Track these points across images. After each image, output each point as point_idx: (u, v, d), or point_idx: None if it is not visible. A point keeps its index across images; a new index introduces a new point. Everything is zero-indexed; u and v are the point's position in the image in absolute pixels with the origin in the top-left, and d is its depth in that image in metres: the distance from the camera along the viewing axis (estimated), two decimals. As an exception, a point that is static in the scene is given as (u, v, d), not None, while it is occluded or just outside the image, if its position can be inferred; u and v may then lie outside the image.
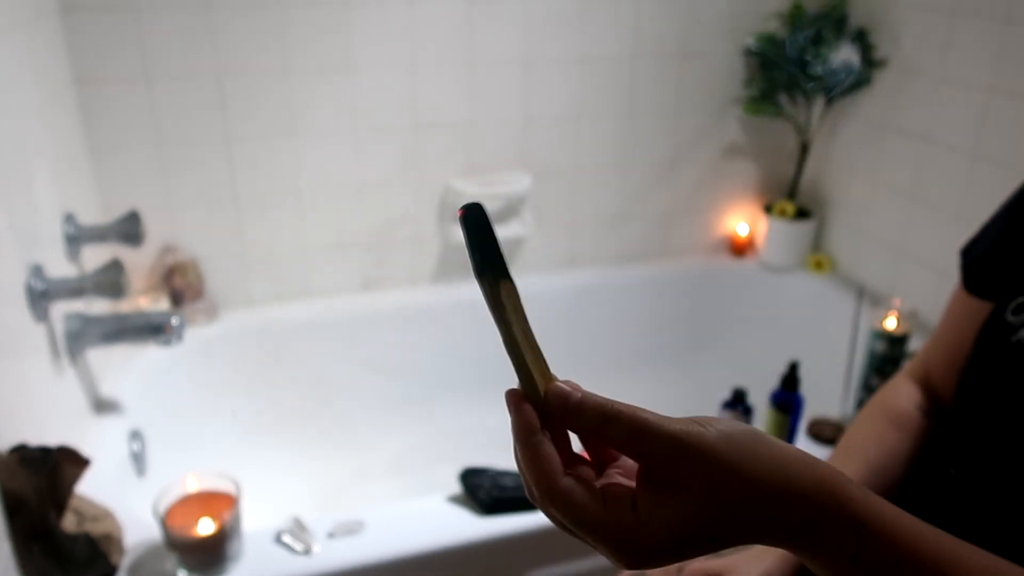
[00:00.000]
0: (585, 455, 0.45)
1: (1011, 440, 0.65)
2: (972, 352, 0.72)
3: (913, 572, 0.40)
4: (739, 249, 2.16)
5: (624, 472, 0.43)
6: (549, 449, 0.41)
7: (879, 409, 0.82)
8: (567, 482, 0.40)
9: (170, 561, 1.07)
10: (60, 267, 1.31)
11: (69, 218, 1.37)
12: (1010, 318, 0.68)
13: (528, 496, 0.43)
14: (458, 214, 0.42)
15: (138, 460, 1.40)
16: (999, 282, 0.72)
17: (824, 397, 1.56)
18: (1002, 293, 0.70)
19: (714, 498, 0.38)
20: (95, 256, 1.46)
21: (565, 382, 0.42)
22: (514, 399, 0.42)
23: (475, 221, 0.42)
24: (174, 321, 1.33)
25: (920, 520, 0.41)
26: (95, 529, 1.03)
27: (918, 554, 0.40)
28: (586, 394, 0.41)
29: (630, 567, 0.40)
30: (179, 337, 1.34)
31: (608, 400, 0.41)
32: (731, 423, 0.41)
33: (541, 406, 0.42)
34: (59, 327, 1.27)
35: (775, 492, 0.39)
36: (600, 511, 0.39)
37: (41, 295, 1.17)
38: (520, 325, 0.43)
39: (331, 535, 1.14)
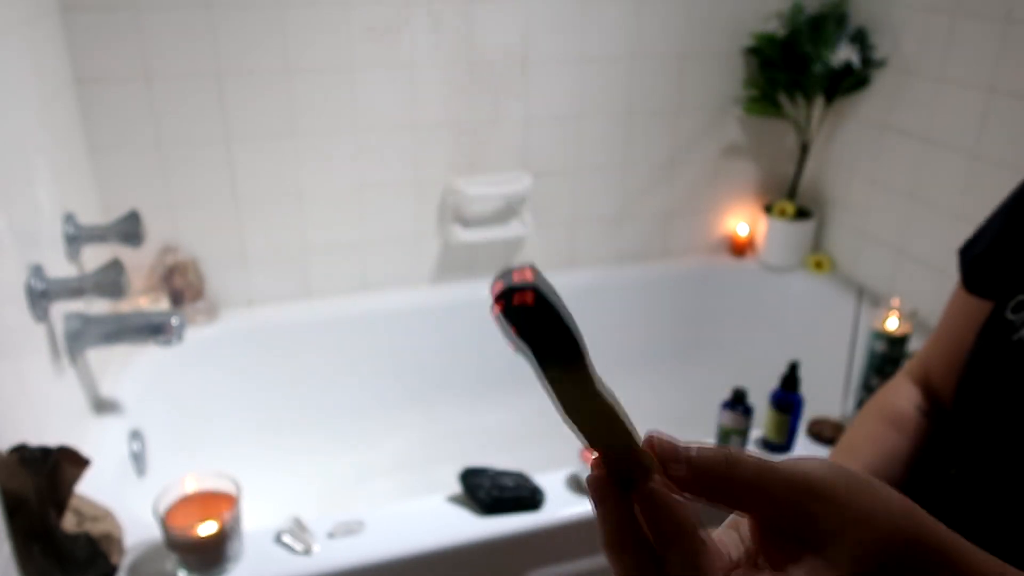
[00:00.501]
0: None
1: (1011, 440, 0.65)
2: (972, 351, 0.71)
3: None
4: (739, 249, 2.16)
5: (715, 550, 0.38)
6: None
7: (878, 410, 0.82)
8: None
9: (170, 561, 1.07)
10: (60, 267, 1.31)
11: (69, 218, 1.37)
12: (1010, 316, 0.67)
13: None
14: (497, 314, 0.30)
15: (138, 460, 1.40)
16: (999, 280, 0.72)
17: (824, 397, 1.56)
18: (1002, 291, 0.70)
19: (851, 546, 0.34)
20: (95, 256, 1.46)
21: (656, 436, 0.36)
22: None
23: (529, 318, 0.30)
24: (174, 321, 1.33)
25: (979, 548, 0.40)
26: (95, 529, 1.03)
27: None
28: (694, 448, 0.35)
29: None
30: (179, 337, 1.34)
31: (716, 447, 0.35)
32: (820, 459, 0.37)
33: (637, 468, 0.34)
34: (59, 327, 1.27)
35: (880, 523, 0.35)
36: None
37: (41, 295, 1.17)
38: (607, 399, 0.34)
39: (331, 535, 1.14)
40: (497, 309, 0.30)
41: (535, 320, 0.30)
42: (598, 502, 0.35)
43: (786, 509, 0.34)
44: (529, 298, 0.29)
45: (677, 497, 0.34)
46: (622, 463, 0.34)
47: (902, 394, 0.82)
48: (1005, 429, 0.66)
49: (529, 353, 0.31)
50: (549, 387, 0.32)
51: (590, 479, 0.35)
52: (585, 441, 0.34)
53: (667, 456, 0.35)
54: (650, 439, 0.35)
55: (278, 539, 1.13)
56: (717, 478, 0.35)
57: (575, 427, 0.34)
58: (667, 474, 0.35)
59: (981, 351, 0.70)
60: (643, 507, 0.34)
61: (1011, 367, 0.66)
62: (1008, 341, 0.66)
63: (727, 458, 0.34)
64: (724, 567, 0.35)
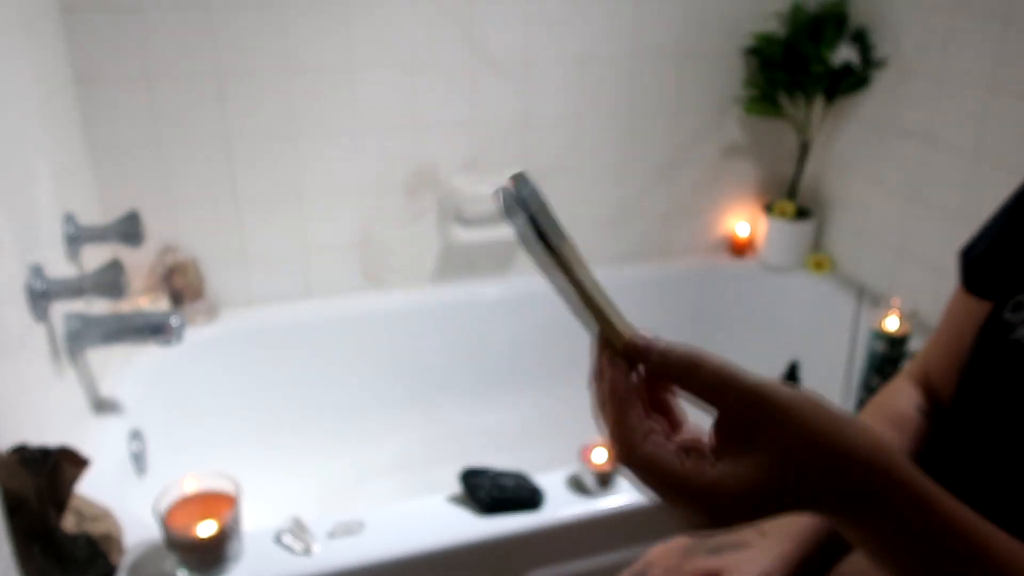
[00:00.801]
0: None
1: (1010, 440, 0.65)
2: (971, 352, 0.72)
3: (953, 543, 0.40)
4: (739, 249, 2.16)
5: (692, 432, 0.44)
6: (635, 417, 0.41)
7: (878, 410, 0.82)
8: (649, 449, 0.41)
9: (170, 561, 1.07)
10: (60, 267, 1.31)
11: (69, 218, 1.37)
12: (1009, 316, 0.67)
13: (611, 447, 0.44)
14: (507, 184, 0.42)
15: (138, 460, 1.40)
16: (998, 281, 0.72)
17: (824, 397, 1.55)
18: (1001, 292, 0.70)
19: (789, 453, 0.39)
20: (95, 256, 1.46)
21: (645, 331, 0.43)
22: (605, 350, 0.43)
23: (525, 193, 0.42)
24: (174, 321, 1.33)
25: (956, 499, 0.42)
26: (95, 529, 1.03)
27: (957, 527, 0.41)
28: (670, 342, 0.42)
29: (707, 527, 0.41)
30: (179, 337, 1.34)
31: (692, 347, 0.42)
32: (795, 388, 0.42)
33: (622, 353, 0.43)
34: (59, 327, 1.27)
35: (839, 452, 0.40)
36: (680, 474, 0.40)
37: (41, 295, 1.17)
38: (589, 278, 0.43)
39: (331, 535, 1.14)
40: (509, 184, 0.42)
41: (529, 195, 0.42)
42: (600, 360, 0.44)
43: (736, 412, 0.40)
44: (511, 184, 0.42)
45: (614, 373, 0.42)
46: (604, 330, 0.43)
47: (902, 395, 0.82)
48: (1004, 429, 0.66)
49: (521, 227, 0.42)
50: (544, 257, 0.42)
51: (597, 339, 0.44)
52: (578, 306, 0.43)
53: (640, 350, 0.43)
54: (632, 336, 0.43)
55: (278, 539, 1.13)
56: (681, 376, 0.42)
57: (570, 292, 0.43)
58: (643, 361, 0.42)
59: (980, 351, 0.70)
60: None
61: (1009, 367, 0.66)
62: (1006, 341, 0.66)
63: (691, 360, 0.41)
64: (692, 436, 0.43)
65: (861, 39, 1.83)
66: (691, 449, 0.42)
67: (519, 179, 0.42)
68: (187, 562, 1.05)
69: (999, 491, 0.66)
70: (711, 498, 0.39)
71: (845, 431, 0.40)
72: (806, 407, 0.40)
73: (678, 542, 0.81)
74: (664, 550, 0.81)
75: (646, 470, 0.40)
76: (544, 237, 0.42)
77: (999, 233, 0.73)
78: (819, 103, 1.95)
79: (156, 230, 1.67)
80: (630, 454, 0.41)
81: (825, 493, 0.40)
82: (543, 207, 0.42)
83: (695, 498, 0.40)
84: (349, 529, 1.15)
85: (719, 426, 0.41)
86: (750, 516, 0.40)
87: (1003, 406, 0.66)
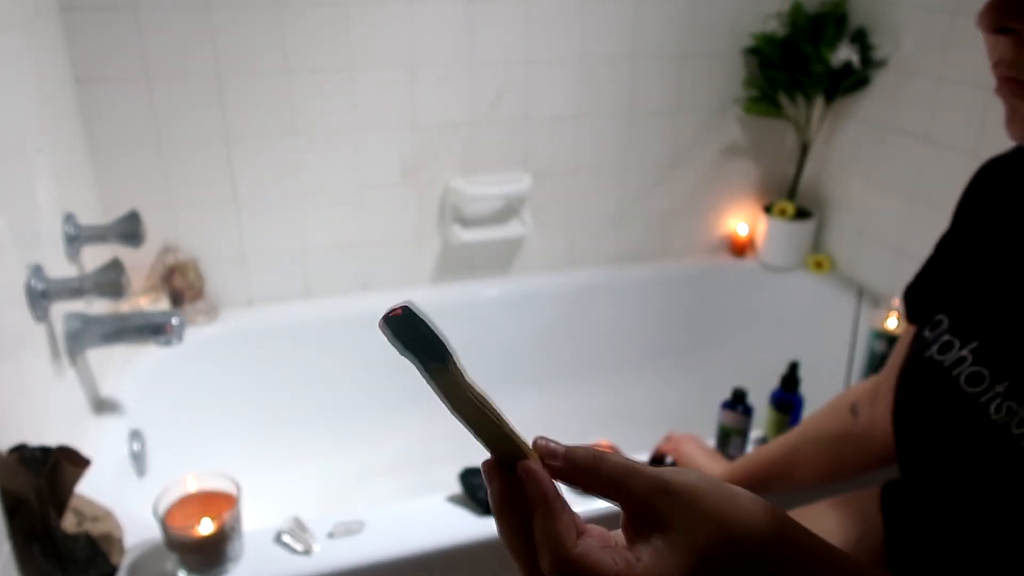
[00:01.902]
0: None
1: (927, 451, 0.71)
2: (900, 370, 0.78)
3: None
4: (739, 249, 2.16)
5: (600, 539, 0.43)
6: (567, 520, 0.40)
7: (837, 397, 1.01)
8: (583, 547, 0.40)
9: (170, 561, 1.07)
10: (60, 267, 1.31)
11: (69, 218, 1.37)
12: (927, 335, 0.74)
13: (524, 564, 0.42)
14: (381, 324, 0.42)
15: (138, 460, 1.40)
16: (923, 305, 0.80)
17: (824, 397, 1.55)
18: (925, 314, 0.77)
19: (696, 537, 0.40)
20: (95, 256, 1.46)
21: (540, 438, 0.43)
22: (527, 469, 0.42)
23: (402, 324, 0.42)
24: (174, 321, 1.33)
25: (850, 556, 0.45)
26: (95, 529, 1.03)
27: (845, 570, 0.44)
28: (569, 446, 0.42)
29: None
30: (179, 337, 1.34)
31: (589, 447, 0.42)
32: (697, 471, 0.43)
33: (517, 453, 0.42)
34: (59, 327, 1.27)
35: (742, 536, 0.41)
36: (615, 571, 0.39)
37: (41, 295, 1.17)
38: (478, 394, 0.42)
39: (331, 535, 1.14)
40: (381, 322, 0.42)
41: (406, 327, 0.42)
42: (488, 482, 0.43)
43: (643, 503, 0.41)
44: (400, 312, 0.42)
45: (542, 472, 0.41)
46: (504, 449, 0.42)
47: (855, 389, 0.98)
48: (921, 441, 0.72)
49: (408, 355, 0.42)
50: (430, 382, 0.42)
51: (484, 463, 0.44)
52: (471, 431, 0.42)
53: (546, 453, 0.42)
54: (535, 440, 0.43)
55: (278, 539, 1.13)
56: (585, 472, 0.41)
57: (459, 418, 0.43)
58: (547, 467, 0.42)
59: (905, 369, 0.77)
60: (521, 480, 0.42)
61: (922, 383, 0.72)
62: (921, 358, 0.73)
63: (594, 457, 0.41)
64: (599, 536, 0.42)
65: (861, 39, 1.83)
66: (614, 550, 0.41)
67: (391, 319, 0.42)
68: (187, 562, 1.05)
69: (926, 495, 0.74)
70: None
71: (742, 505, 0.41)
72: (708, 490, 0.41)
73: None
74: None
75: (584, 571, 0.39)
76: (424, 365, 0.42)
77: (926, 261, 0.83)
78: (819, 103, 1.95)
79: (156, 230, 1.67)
80: (565, 557, 0.39)
81: (734, 569, 0.41)
82: (416, 335, 0.42)
83: None
84: (349, 529, 1.15)
85: (630, 519, 0.42)
86: None
87: (918, 420, 0.73)
